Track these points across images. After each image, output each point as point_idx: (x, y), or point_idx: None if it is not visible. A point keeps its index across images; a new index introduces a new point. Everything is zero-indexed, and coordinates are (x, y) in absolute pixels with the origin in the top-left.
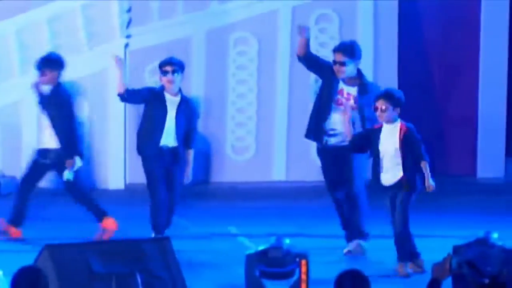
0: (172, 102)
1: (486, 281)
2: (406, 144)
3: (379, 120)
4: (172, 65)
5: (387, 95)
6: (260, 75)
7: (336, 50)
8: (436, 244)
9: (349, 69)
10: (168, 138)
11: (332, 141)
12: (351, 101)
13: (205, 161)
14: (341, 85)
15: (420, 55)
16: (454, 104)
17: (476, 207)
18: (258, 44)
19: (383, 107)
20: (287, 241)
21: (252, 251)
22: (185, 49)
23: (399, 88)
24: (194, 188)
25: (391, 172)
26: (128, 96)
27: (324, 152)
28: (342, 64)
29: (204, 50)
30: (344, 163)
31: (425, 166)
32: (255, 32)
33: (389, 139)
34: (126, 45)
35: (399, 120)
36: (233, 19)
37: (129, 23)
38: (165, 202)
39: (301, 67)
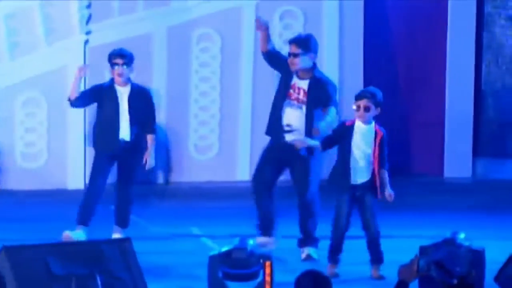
0: (122, 93)
1: (455, 281)
2: (380, 149)
3: (359, 119)
4: (123, 58)
5: (371, 94)
6: (223, 73)
7: (290, 41)
8: (402, 244)
9: (302, 62)
10: (124, 131)
11: (287, 138)
12: (301, 95)
13: (167, 160)
14: (294, 79)
15: (386, 55)
16: (421, 103)
17: (443, 207)
18: (221, 41)
19: (367, 107)
20: (251, 242)
21: (215, 252)
22: (146, 46)
23: (364, 87)
24: (155, 188)
25: (363, 172)
26: (77, 102)
27: (277, 148)
28: (295, 55)
29: (166, 46)
30: (299, 166)
31: (386, 174)
32: (218, 29)
33: (365, 139)
34: (86, 42)
35: (373, 122)
36: (195, 15)
37: (88, 19)
38: (97, 197)
39: (265, 64)
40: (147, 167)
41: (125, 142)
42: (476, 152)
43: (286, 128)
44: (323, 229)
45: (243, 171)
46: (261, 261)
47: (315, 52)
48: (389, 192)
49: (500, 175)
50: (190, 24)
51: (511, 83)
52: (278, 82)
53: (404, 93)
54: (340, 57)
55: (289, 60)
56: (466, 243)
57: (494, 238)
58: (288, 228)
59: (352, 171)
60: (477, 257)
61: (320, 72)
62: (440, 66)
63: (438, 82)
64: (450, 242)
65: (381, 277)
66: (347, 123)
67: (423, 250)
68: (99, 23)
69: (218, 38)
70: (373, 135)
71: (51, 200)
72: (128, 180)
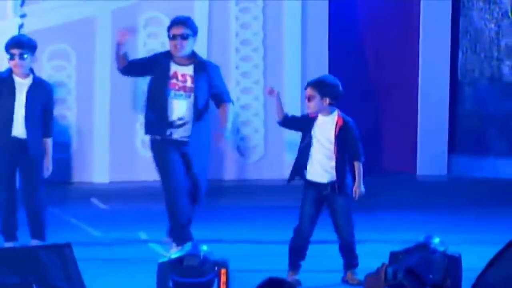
0: (21, 85)
1: None
2: (341, 140)
3: (308, 110)
4: (20, 48)
5: (316, 83)
6: None
7: (176, 22)
8: (372, 249)
9: (191, 45)
10: (19, 128)
11: (179, 133)
12: (189, 82)
13: (112, 157)
14: (174, 67)
15: (353, 42)
16: (393, 95)
17: (416, 208)
18: None
19: (310, 95)
20: (205, 247)
21: (164, 259)
22: (89, 31)
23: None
24: (98, 188)
25: (324, 168)
26: None
27: (167, 145)
28: (184, 37)
29: (110, 31)
30: (198, 159)
31: (358, 168)
32: (168, 12)
33: (324, 132)
34: (21, 26)
35: (336, 112)
36: None
37: (23, 0)
38: (11, 203)
39: (221, 49)
40: (45, 174)
41: (20, 140)
42: (452, 147)
43: (179, 122)
44: (288, 234)
45: None
46: (216, 268)
47: (195, 35)
48: (357, 188)
49: (479, 172)
50: (137, 7)
51: (490, 72)
52: (152, 78)
53: (374, 84)
54: (302, 36)
55: (174, 43)
56: (441, 248)
57: (472, 242)
58: (247, 232)
59: (311, 165)
60: (452, 264)
61: (201, 57)
62: (412, 56)
63: (410, 73)
64: (423, 247)
65: (359, 282)
66: (311, 115)
67: (393, 256)
68: (35, 5)
69: (168, 22)
70: (334, 127)
71: None
72: (32, 184)
